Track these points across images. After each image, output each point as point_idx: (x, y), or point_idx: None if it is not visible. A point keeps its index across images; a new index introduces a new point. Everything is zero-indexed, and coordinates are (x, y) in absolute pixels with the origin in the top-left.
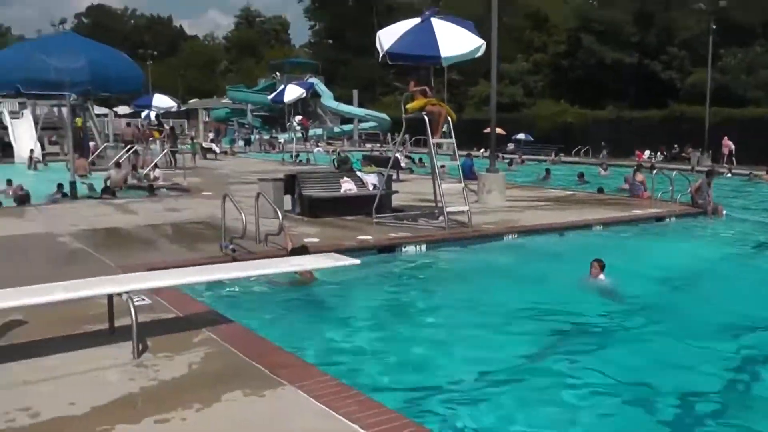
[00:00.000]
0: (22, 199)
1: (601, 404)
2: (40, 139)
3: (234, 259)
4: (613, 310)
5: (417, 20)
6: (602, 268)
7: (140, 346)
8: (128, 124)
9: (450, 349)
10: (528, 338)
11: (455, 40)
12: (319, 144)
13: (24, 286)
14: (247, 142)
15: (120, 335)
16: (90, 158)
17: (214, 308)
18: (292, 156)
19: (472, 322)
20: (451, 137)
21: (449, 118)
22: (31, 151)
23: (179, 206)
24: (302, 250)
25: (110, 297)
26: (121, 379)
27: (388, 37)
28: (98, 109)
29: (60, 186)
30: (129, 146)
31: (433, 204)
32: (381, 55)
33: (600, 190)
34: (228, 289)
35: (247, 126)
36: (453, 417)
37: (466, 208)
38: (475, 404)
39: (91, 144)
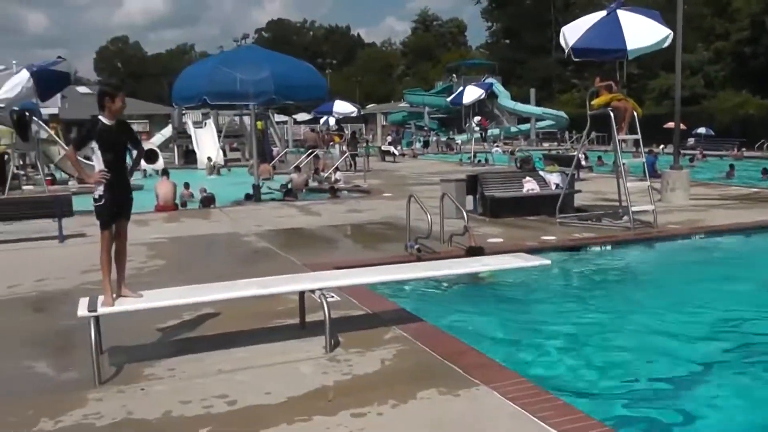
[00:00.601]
0: (207, 201)
1: None
2: (222, 147)
3: (419, 259)
4: None
5: (602, 13)
6: None
7: (332, 341)
8: (311, 130)
9: (638, 353)
10: (719, 341)
11: (642, 32)
12: (497, 144)
13: (215, 282)
14: (425, 144)
15: (311, 330)
16: (272, 162)
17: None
18: (470, 157)
19: (660, 325)
20: (636, 133)
21: (635, 114)
22: (209, 158)
23: (361, 207)
24: (478, 250)
25: (302, 293)
26: (315, 372)
27: (572, 32)
28: (278, 117)
29: (255, 187)
30: (311, 150)
31: (617, 203)
32: (567, 51)
33: None
34: (408, 287)
35: (425, 128)
36: (645, 422)
37: (651, 208)
38: (670, 409)
39: (274, 149)
